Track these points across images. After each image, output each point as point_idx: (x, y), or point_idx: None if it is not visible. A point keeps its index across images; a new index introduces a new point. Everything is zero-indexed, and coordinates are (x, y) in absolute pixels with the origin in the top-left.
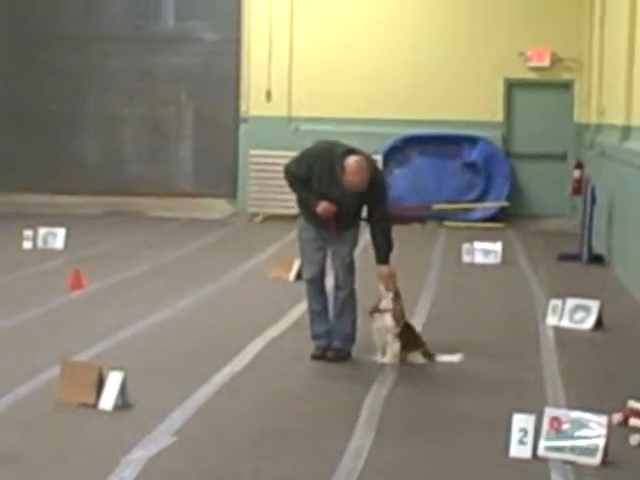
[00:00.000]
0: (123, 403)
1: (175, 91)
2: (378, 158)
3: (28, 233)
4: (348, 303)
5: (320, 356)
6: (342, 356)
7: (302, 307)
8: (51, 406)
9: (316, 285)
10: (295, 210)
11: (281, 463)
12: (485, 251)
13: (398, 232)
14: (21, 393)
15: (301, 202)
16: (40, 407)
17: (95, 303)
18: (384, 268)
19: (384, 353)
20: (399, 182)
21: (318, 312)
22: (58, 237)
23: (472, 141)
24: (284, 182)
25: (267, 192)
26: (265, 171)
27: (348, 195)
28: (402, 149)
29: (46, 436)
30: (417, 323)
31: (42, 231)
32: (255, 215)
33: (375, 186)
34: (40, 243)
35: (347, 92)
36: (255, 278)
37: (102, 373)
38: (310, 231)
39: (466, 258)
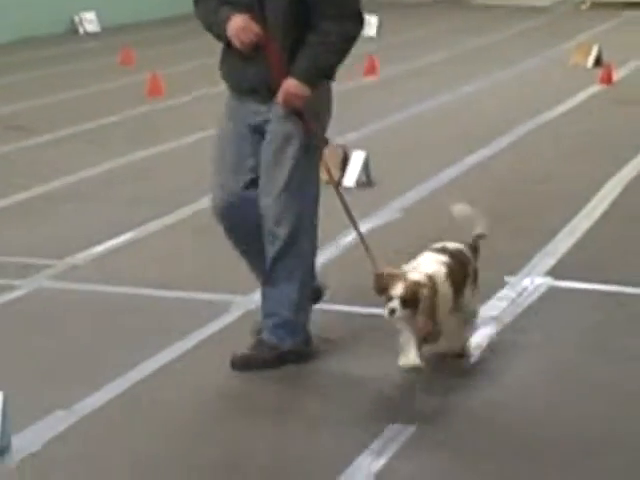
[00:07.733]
0: (366, 180)
1: None
2: None
3: None
4: (291, 257)
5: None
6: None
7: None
8: None
9: (235, 214)
10: None
11: None
12: None
13: None
14: None
15: (223, 56)
16: None
17: (381, 89)
18: (290, 81)
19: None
20: None
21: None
22: (370, 25)
23: None
24: None
25: None
26: None
27: None
28: None
29: None
30: None
31: None
32: (582, 2)
33: None
34: None
35: None
36: (554, 65)
37: (347, 153)
38: (234, 117)
39: None
